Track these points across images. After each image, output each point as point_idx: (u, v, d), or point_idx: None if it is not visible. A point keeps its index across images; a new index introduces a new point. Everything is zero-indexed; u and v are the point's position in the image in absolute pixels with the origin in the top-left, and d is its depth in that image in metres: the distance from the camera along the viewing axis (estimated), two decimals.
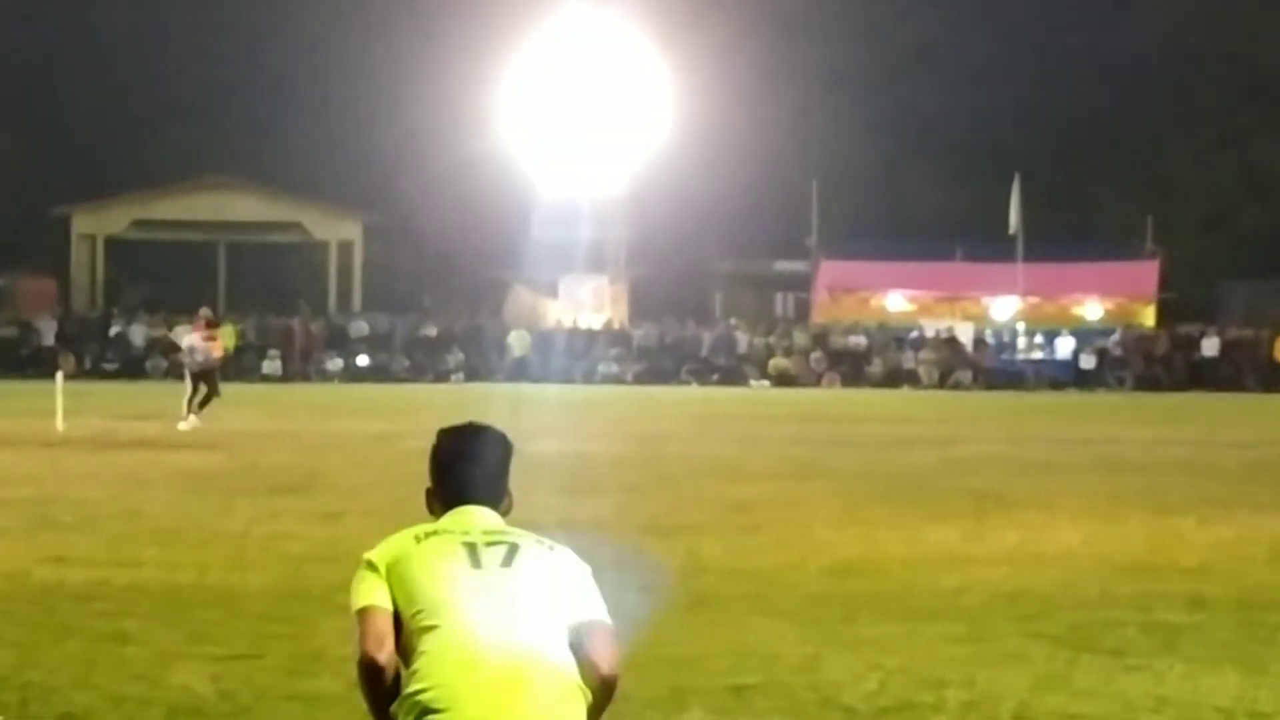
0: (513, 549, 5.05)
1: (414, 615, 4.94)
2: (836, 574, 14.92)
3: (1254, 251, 76.51)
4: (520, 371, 57.72)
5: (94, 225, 74.37)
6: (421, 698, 4.81)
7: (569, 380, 57.16)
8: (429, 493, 5.29)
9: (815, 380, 65.01)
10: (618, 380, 62.60)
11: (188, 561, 15.59)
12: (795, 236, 75.13)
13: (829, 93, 74.51)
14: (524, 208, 62.19)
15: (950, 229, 71.36)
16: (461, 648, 4.84)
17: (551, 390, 49.66)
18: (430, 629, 4.90)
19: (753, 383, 64.34)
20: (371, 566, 5.05)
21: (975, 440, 32.91)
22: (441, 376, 59.80)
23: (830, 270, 73.69)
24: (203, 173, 72.56)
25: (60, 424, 32.13)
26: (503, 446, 5.31)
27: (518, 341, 62.15)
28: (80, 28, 76.65)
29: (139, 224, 73.93)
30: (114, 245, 74.76)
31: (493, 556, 5.01)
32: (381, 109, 71.77)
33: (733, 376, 65.05)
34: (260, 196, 73.27)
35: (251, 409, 39.35)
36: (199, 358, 35.50)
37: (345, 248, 73.48)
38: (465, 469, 5.21)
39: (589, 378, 61.16)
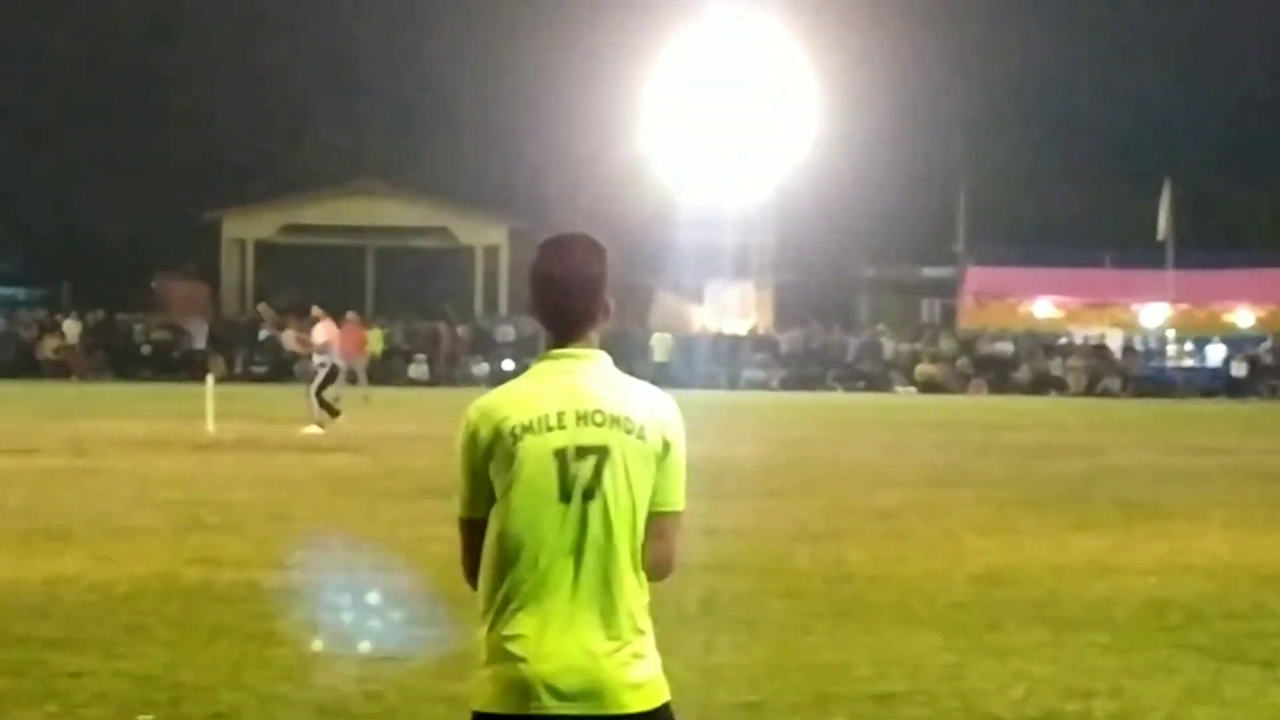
0: (602, 458, 4.90)
1: (498, 510, 4.93)
2: (982, 582, 14.85)
3: None
4: (663, 376, 57.65)
5: (244, 230, 75.20)
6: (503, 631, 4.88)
7: (713, 386, 57.12)
8: (530, 304, 5.14)
9: (961, 387, 64.71)
10: (763, 386, 62.58)
11: (336, 563, 15.72)
12: (942, 242, 74.82)
13: (977, 97, 74.03)
14: (669, 213, 62.23)
15: (1099, 235, 70.84)
16: (526, 559, 4.85)
17: (695, 396, 49.63)
18: (503, 530, 4.90)
19: (898, 389, 64.09)
20: (470, 456, 5.03)
21: (1124, 449, 32.62)
22: None
23: (977, 276, 73.31)
24: (351, 178, 73.17)
25: (210, 426, 32.48)
26: (599, 259, 5.16)
27: (660, 346, 62.21)
28: (230, 34, 77.46)
29: (288, 229, 74.64)
30: (263, 250, 75.52)
31: (580, 476, 4.88)
32: (528, 115, 72.06)
33: (878, 383, 64.86)
34: (407, 202, 73.79)
35: (398, 413, 39.68)
36: (331, 357, 35.67)
37: (491, 252, 73.83)
38: (559, 285, 5.07)
39: (733, 384, 61.22)
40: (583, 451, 4.86)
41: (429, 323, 68.09)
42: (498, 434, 4.86)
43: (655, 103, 64.77)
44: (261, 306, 36.96)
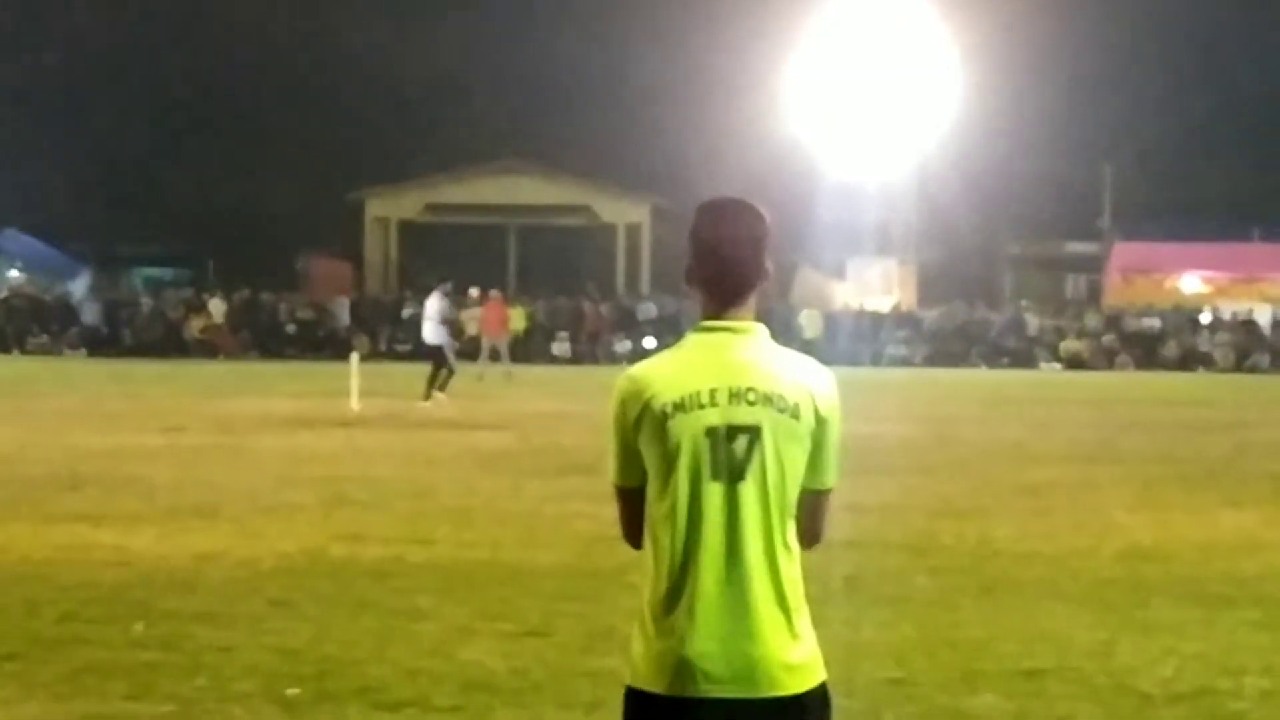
0: (754, 437, 4.86)
1: (652, 482, 4.91)
2: (1130, 559, 14.72)
3: None
4: (810, 353, 57.15)
5: (387, 209, 75.69)
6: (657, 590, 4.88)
7: (856, 363, 56.91)
8: (689, 270, 5.09)
9: (1108, 363, 64.17)
10: (906, 363, 62.34)
11: (479, 540, 15.80)
12: (1087, 218, 74.37)
13: (1122, 73, 73.39)
14: (811, 190, 62.07)
15: (1247, 209, 70.08)
16: (681, 535, 4.82)
17: (839, 372, 49.31)
18: (658, 509, 4.88)
19: (1043, 365, 63.67)
20: (620, 427, 5.01)
21: (1273, 425, 32.22)
22: None
23: (1123, 252, 72.75)
24: (494, 157, 73.39)
25: (355, 404, 32.71)
26: (761, 223, 5.08)
27: (809, 323, 62.02)
28: (372, 15, 77.94)
29: (431, 208, 75.04)
30: (406, 228, 76.04)
31: (731, 456, 4.84)
32: (668, 92, 72.11)
33: (1023, 359, 64.44)
34: (549, 180, 73.93)
35: (541, 390, 39.80)
36: (441, 333, 35.90)
37: (633, 230, 73.94)
38: (719, 250, 5.01)
39: (876, 360, 60.93)
40: (735, 431, 4.83)
41: (571, 300, 68.18)
42: (647, 408, 4.83)
43: (798, 79, 64.60)
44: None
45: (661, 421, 4.80)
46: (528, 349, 56.61)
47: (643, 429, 4.83)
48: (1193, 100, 75.67)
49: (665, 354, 5.02)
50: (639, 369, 4.94)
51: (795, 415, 4.84)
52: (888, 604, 12.15)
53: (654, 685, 4.84)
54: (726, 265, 4.94)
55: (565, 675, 9.95)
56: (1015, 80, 66.23)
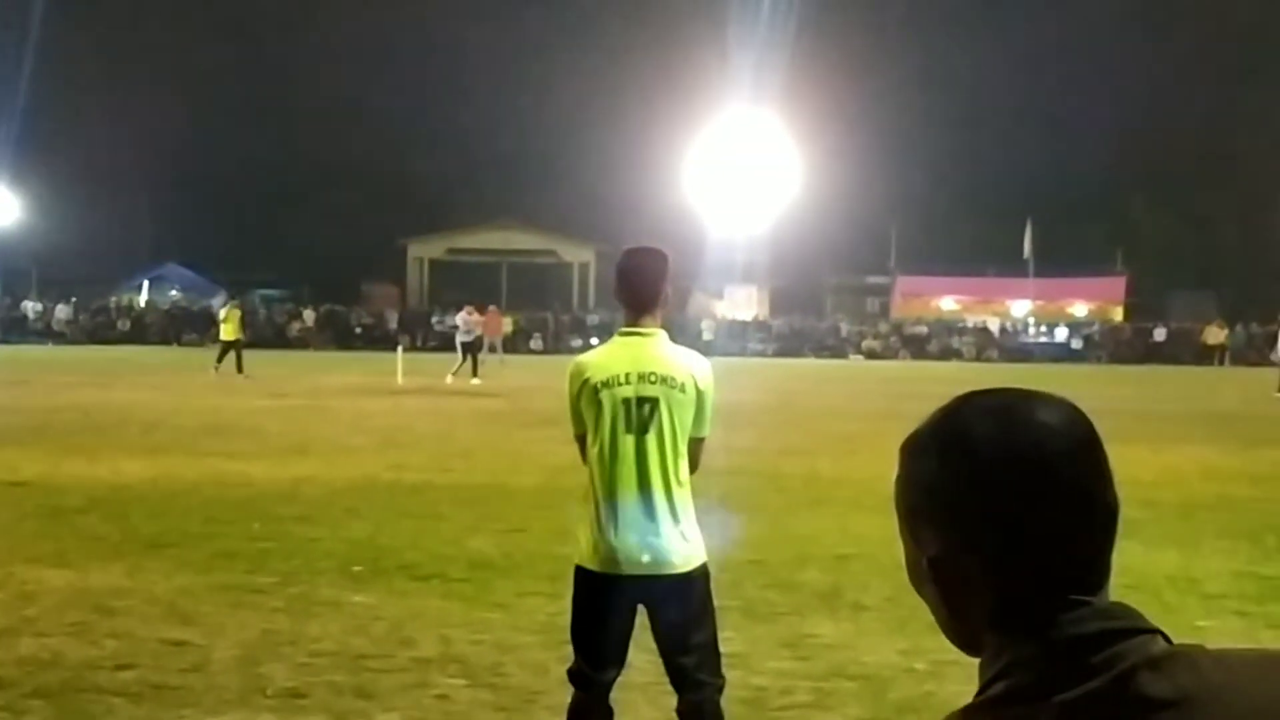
0: (654, 406, 4.88)
1: (589, 431, 4.93)
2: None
3: (1190, 271, 75.05)
4: (708, 348, 57.26)
5: (423, 251, 75.60)
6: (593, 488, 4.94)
7: (730, 355, 56.93)
8: (615, 292, 5.11)
9: (893, 355, 64.46)
10: (762, 355, 62.42)
11: (482, 468, 15.78)
12: (880, 258, 74.75)
13: (903, 158, 73.61)
14: (701, 238, 61.91)
15: (985, 254, 70.51)
16: (608, 468, 4.85)
17: (722, 361, 49.38)
18: (593, 450, 4.90)
19: (851, 357, 63.84)
20: (570, 396, 4.99)
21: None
22: None
23: (904, 283, 73.23)
24: (493, 217, 73.43)
25: (400, 380, 32.63)
26: (662, 261, 5.08)
27: (707, 328, 62.32)
28: (411, 116, 77.46)
29: (452, 250, 75.00)
30: (435, 265, 75.87)
31: (640, 417, 4.85)
32: (609, 171, 71.70)
33: (838, 353, 64.64)
34: (529, 232, 73.87)
35: (523, 371, 39.71)
36: (467, 333, 35.87)
37: (584, 266, 73.90)
38: (633, 279, 5.04)
39: (744, 353, 60.92)
40: (642, 401, 4.90)
41: (543, 313, 68.20)
42: (585, 384, 4.91)
43: (694, 162, 64.56)
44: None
45: (595, 393, 4.87)
46: (515, 345, 56.34)
47: (583, 398, 4.90)
48: (952, 178, 75.88)
49: (600, 349, 5.12)
50: (581, 359, 5.05)
51: (683, 390, 4.90)
52: (749, 512, 12.15)
53: (592, 564, 4.89)
54: (636, 289, 4.99)
55: (539, 558, 9.94)
56: (835, 163, 66.24)
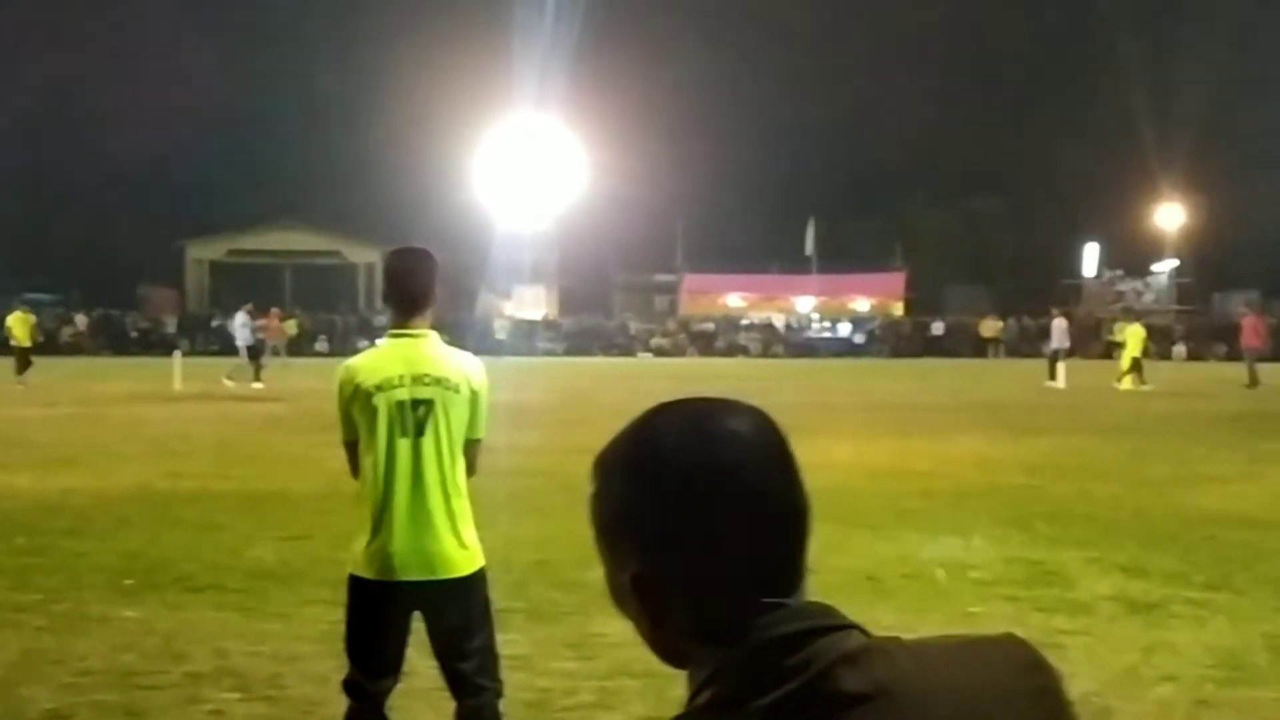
0: (429, 410, 4.81)
1: (361, 440, 4.82)
2: None
3: (965, 266, 77.53)
4: (501, 348, 57.24)
5: (203, 253, 74.05)
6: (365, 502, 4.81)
7: (520, 354, 56.87)
8: (384, 294, 5.01)
9: (681, 352, 65.14)
10: (552, 354, 62.54)
11: (263, 474, 15.43)
12: (667, 257, 75.47)
13: (691, 158, 74.47)
14: (489, 239, 61.75)
15: (769, 252, 71.78)
16: (383, 472, 4.74)
17: (512, 361, 49.52)
18: (367, 455, 4.78)
19: (640, 354, 64.41)
20: (341, 401, 4.88)
21: (785, 391, 32.94)
22: None
23: (690, 281, 74.13)
24: (276, 218, 72.10)
25: (178, 385, 31.78)
26: (430, 263, 4.98)
27: (500, 327, 62.08)
28: (195, 118, 75.52)
29: (233, 252, 73.50)
30: (216, 267, 74.20)
31: (415, 419, 4.77)
32: (395, 172, 71.09)
33: (627, 350, 65.11)
34: (314, 233, 72.83)
35: (305, 375, 38.99)
36: (248, 335, 35.35)
37: (369, 267, 72.84)
38: (402, 280, 4.95)
39: (533, 353, 60.98)
40: (417, 403, 4.80)
41: (329, 315, 67.20)
42: (357, 389, 4.81)
43: (482, 163, 64.32)
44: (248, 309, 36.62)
45: (368, 397, 4.77)
46: (300, 347, 55.35)
47: (355, 402, 4.80)
48: (736, 176, 77.04)
49: (369, 351, 5.01)
50: (351, 362, 4.94)
51: (457, 391, 4.83)
52: (535, 513, 12.14)
53: (367, 572, 4.80)
54: (406, 290, 4.90)
55: (321, 565, 9.73)
56: (623, 165, 66.71)
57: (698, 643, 1.39)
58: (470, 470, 4.93)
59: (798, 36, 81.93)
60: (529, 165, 63.07)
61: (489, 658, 4.95)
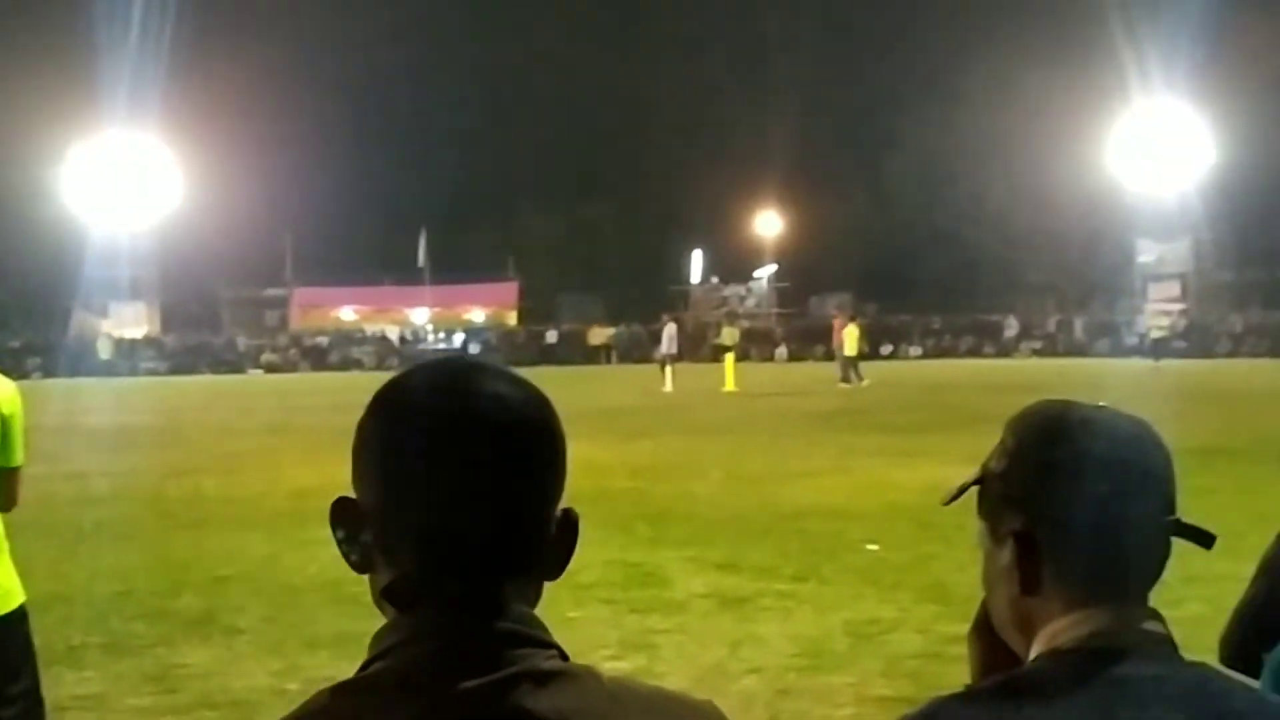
0: None
1: None
2: (297, 496, 14.53)
3: (577, 275, 78.95)
4: (108, 368, 54.41)
5: None
6: None
7: (119, 375, 54.37)
8: None
9: (293, 368, 63.84)
10: (155, 374, 60.06)
11: None
12: (276, 270, 73.87)
13: (299, 170, 73.06)
14: (79, 255, 58.78)
15: (382, 264, 71.29)
16: None
17: (108, 383, 47.24)
18: None
19: (250, 371, 62.72)
20: None
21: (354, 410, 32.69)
22: (25, 375, 56.00)
23: (301, 294, 72.89)
24: None
25: None
26: None
27: (104, 347, 59.26)
28: None
29: None
30: None
31: None
32: None
33: (237, 367, 63.31)
34: None
35: None
36: None
37: None
38: None
39: (135, 373, 58.38)
40: None
41: None
42: None
43: (69, 177, 61.33)
44: None
45: None
46: None
47: None
48: (345, 191, 76.03)
49: None
50: None
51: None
52: (123, 540, 11.59)
53: None
54: None
55: None
56: (226, 175, 64.61)
57: (390, 604, 1.31)
58: (10, 501, 4.57)
59: (406, 45, 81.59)
60: (118, 178, 60.55)
61: (34, 703, 4.61)
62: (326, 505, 1.26)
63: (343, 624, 7.97)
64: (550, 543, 1.37)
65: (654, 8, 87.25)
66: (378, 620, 1.33)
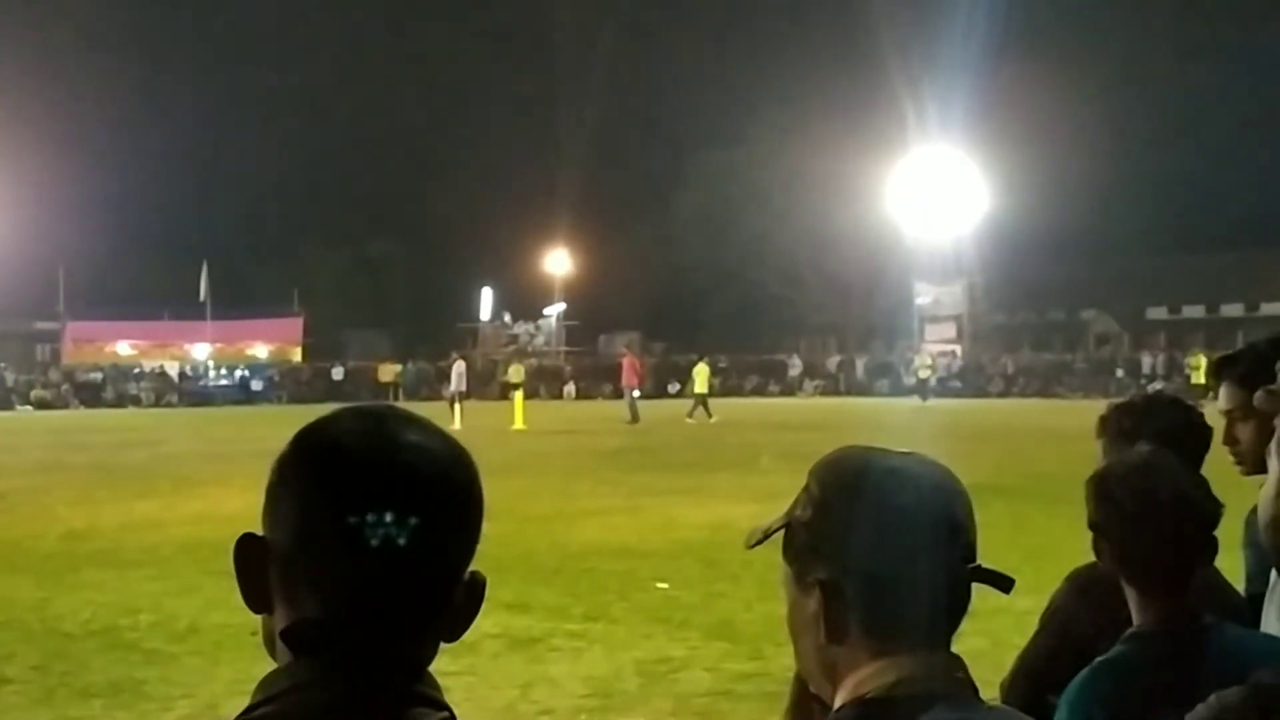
0: None
1: None
2: (68, 539, 14.07)
3: (364, 311, 78.18)
4: None
5: None
6: None
7: None
8: None
9: (65, 405, 61.61)
10: None
11: None
12: (48, 304, 71.41)
13: (75, 199, 70.90)
14: None
15: (159, 297, 69.41)
16: None
17: None
18: None
19: (19, 408, 60.23)
20: None
21: (178, 441, 31.91)
22: None
23: (75, 328, 70.51)
24: None
25: None
26: None
27: None
28: None
29: None
30: None
31: None
32: None
33: (5, 403, 60.78)
34: None
35: None
36: None
37: None
38: None
39: None
40: None
41: None
42: None
43: None
44: None
45: None
46: None
47: None
48: (123, 223, 74.00)
49: None
50: None
51: None
52: None
53: None
54: None
55: None
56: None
57: (286, 646, 1.29)
58: None
59: (191, 75, 79.89)
60: None
61: None
62: (100, 548, 1.23)
63: (118, 672, 7.72)
64: (455, 604, 1.34)
65: (442, 49, 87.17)
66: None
